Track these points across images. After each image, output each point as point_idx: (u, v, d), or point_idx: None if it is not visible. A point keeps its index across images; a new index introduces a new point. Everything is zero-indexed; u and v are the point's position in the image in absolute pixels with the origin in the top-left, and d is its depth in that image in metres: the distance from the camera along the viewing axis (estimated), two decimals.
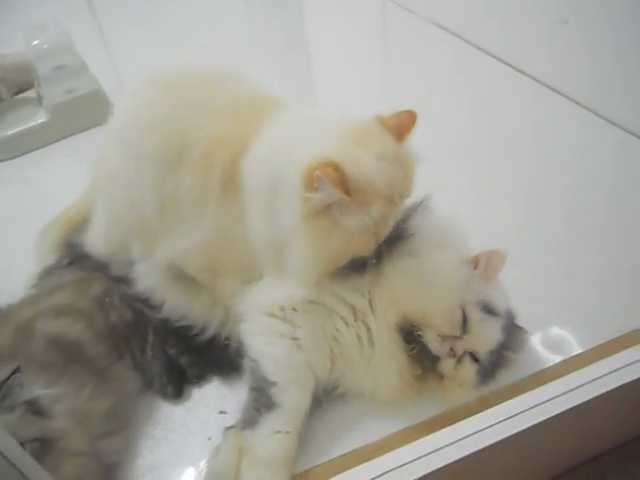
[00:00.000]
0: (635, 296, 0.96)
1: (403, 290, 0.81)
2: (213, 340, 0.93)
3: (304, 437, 0.80)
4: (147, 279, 0.95)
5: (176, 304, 0.94)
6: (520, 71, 1.57)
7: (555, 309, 0.96)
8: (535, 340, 0.89)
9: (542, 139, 1.35)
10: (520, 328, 0.85)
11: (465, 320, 0.79)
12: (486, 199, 1.19)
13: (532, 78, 1.53)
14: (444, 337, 0.79)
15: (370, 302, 0.82)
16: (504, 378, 0.83)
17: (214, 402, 0.90)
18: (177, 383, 0.92)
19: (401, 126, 0.77)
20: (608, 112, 1.34)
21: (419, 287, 0.80)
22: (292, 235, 0.76)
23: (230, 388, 0.91)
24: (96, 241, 1.01)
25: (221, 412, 0.88)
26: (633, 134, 1.29)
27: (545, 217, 1.15)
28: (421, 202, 0.88)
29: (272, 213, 0.79)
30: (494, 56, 1.65)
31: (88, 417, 0.77)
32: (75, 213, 1.13)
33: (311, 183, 0.69)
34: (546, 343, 0.90)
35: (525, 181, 1.25)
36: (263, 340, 0.82)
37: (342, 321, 0.82)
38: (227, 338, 0.92)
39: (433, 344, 0.79)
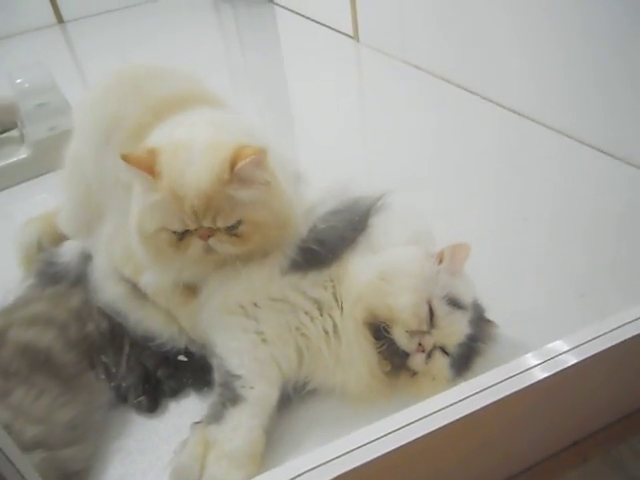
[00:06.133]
0: (603, 289, 0.99)
1: (368, 286, 0.81)
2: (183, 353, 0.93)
3: (275, 435, 0.80)
4: (109, 292, 0.95)
5: (138, 317, 0.94)
6: (486, 98, 1.64)
7: (525, 304, 0.97)
8: (506, 333, 0.89)
9: (509, 160, 1.42)
10: (489, 321, 0.86)
11: (432, 315, 0.80)
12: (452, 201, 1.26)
13: (498, 105, 1.60)
14: (412, 332, 0.79)
15: (334, 295, 0.83)
16: (479, 369, 0.82)
17: (188, 412, 0.89)
18: (152, 396, 0.91)
19: None
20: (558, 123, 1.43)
21: (384, 282, 0.81)
22: None
23: (205, 399, 0.89)
24: (64, 220, 1.07)
25: (195, 423, 0.87)
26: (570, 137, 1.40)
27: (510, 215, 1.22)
28: (380, 198, 0.90)
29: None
30: (462, 87, 1.73)
31: (47, 422, 0.77)
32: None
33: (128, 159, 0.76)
34: (518, 336, 0.90)
35: (491, 189, 1.32)
36: (227, 336, 0.83)
37: (307, 315, 0.82)
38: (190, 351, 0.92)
39: (401, 340, 0.79)
